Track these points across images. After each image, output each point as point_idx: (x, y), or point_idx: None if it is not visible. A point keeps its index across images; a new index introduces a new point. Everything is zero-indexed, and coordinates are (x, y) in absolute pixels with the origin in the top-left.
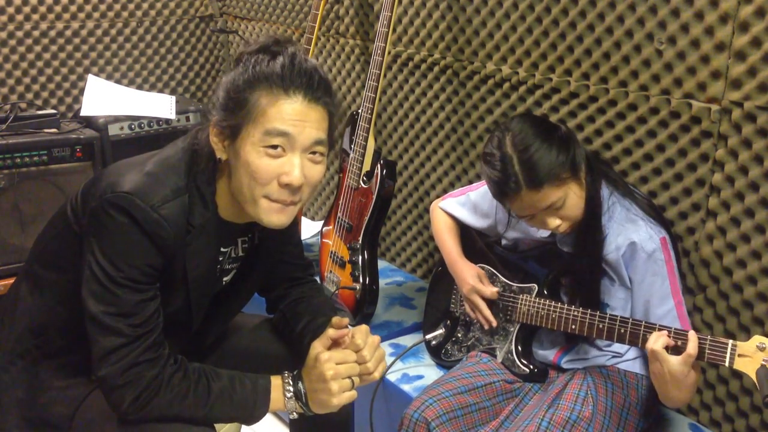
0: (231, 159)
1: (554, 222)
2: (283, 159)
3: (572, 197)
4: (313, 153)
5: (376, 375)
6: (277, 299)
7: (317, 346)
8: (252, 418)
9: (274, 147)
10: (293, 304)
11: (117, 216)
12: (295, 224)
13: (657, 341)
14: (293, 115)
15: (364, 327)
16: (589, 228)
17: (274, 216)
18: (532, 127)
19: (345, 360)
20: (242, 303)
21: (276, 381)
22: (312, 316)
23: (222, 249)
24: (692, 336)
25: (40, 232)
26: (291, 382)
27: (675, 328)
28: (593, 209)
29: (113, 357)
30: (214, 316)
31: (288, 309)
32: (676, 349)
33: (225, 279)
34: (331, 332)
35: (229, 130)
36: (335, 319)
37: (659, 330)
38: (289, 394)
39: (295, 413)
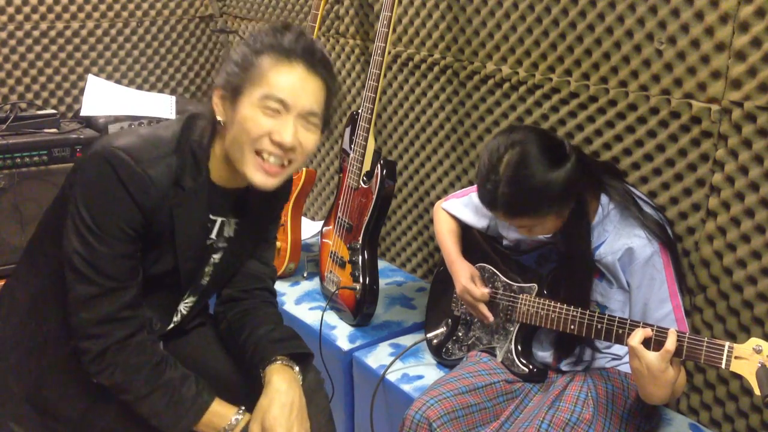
0: (229, 120)
1: (525, 233)
2: (278, 119)
3: (548, 224)
4: (307, 121)
5: None
6: (228, 301)
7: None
8: (176, 425)
9: (271, 108)
10: (240, 314)
11: (101, 167)
12: (277, 218)
13: (634, 337)
14: (292, 83)
15: None
16: (576, 228)
17: (261, 174)
18: (539, 157)
19: None
20: (221, 285)
21: (224, 410)
22: (252, 327)
23: (212, 216)
24: (671, 333)
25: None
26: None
27: (657, 326)
28: (579, 212)
29: (91, 304)
30: (200, 291)
31: (235, 320)
32: (658, 346)
33: (214, 256)
34: None
35: (231, 92)
36: None
37: (643, 327)
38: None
39: None
